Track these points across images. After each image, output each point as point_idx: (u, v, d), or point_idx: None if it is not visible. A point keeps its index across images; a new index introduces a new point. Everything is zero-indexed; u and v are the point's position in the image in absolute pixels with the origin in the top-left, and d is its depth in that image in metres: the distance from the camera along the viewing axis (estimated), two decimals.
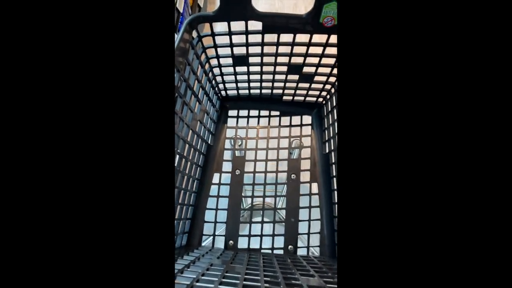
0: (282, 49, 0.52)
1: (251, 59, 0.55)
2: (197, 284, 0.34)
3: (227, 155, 0.66)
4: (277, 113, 0.68)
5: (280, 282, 0.37)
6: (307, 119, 0.68)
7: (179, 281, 0.34)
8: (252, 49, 0.52)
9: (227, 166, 0.65)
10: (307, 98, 0.65)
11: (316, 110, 0.67)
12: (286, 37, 0.49)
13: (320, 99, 0.65)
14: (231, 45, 0.51)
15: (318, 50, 0.51)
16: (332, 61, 0.53)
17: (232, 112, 0.68)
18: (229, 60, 0.55)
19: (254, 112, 0.68)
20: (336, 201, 0.57)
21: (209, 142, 0.63)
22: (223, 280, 0.36)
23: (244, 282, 0.36)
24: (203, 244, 0.61)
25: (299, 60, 0.54)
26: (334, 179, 0.59)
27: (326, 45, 0.49)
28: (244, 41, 0.50)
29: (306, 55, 0.52)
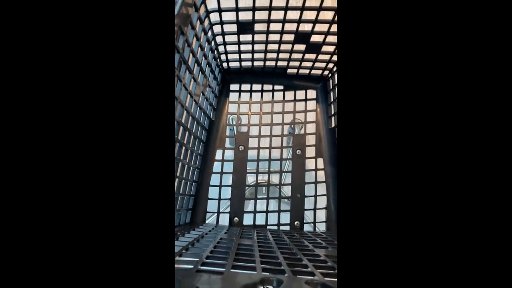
0: (291, 15, 0.49)
1: (257, 26, 0.51)
2: (211, 255, 0.32)
3: (230, 131, 0.63)
4: (281, 87, 0.65)
5: (296, 253, 0.36)
6: (312, 93, 0.65)
7: (184, 258, 0.32)
8: (258, 15, 0.49)
9: (230, 142, 0.63)
10: (313, 71, 0.63)
11: (322, 83, 0.65)
12: (296, 1, 0.46)
13: (326, 72, 0.63)
14: (237, 9, 0.47)
15: (329, 15, 0.49)
16: None
17: (234, 87, 0.65)
18: (233, 28, 0.52)
19: (256, 87, 0.65)
20: None
21: (211, 117, 0.60)
22: (238, 251, 0.35)
23: (260, 253, 0.34)
24: (207, 221, 0.59)
25: (308, 27, 0.51)
26: None
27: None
28: (251, 4, 0.47)
29: (315, 21, 0.49)
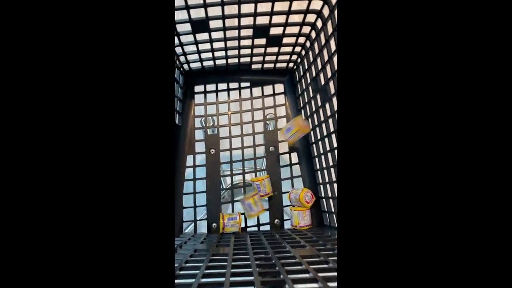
0: (245, 8, 0.47)
1: (212, 24, 0.49)
2: (181, 272, 0.31)
3: (198, 134, 0.61)
4: (247, 84, 0.64)
5: (271, 257, 0.35)
6: (280, 87, 0.64)
7: None
8: (211, 11, 0.47)
9: (200, 147, 0.60)
10: (277, 65, 0.61)
11: (288, 76, 0.63)
12: None
13: (291, 64, 0.61)
14: (187, 7, 0.45)
15: (285, 5, 0.47)
16: (300, 18, 0.49)
17: (199, 88, 0.63)
18: (188, 27, 0.49)
19: (222, 86, 0.63)
20: (317, 167, 0.55)
21: (176, 122, 0.58)
22: (210, 264, 0.33)
23: (233, 263, 0.33)
24: (185, 231, 0.57)
25: (265, 20, 0.49)
26: (314, 145, 0.56)
27: None
28: (202, 1, 0.44)
29: (271, 13, 0.48)
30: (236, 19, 0.49)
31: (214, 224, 0.56)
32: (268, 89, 0.63)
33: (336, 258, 0.32)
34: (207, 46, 0.54)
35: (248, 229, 0.56)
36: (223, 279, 0.27)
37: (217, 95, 0.63)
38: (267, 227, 0.57)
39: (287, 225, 0.57)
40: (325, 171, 0.52)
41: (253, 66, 0.62)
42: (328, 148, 0.50)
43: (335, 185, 0.48)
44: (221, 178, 0.59)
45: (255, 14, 0.48)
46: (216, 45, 0.54)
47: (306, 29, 0.52)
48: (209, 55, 0.57)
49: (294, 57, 0.59)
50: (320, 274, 0.27)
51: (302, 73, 0.58)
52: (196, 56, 0.57)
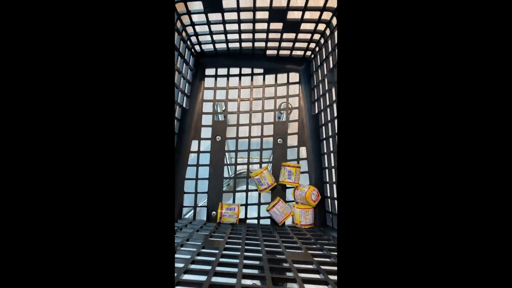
0: None
1: (225, 3, 0.46)
2: None
3: (205, 119, 0.59)
4: (261, 70, 0.60)
5: (262, 257, 0.33)
6: (295, 76, 0.60)
7: None
8: None
9: (206, 132, 0.59)
10: (294, 52, 0.57)
11: (304, 65, 0.60)
12: None
13: (309, 53, 0.57)
14: None
15: None
16: (321, 2, 0.45)
17: (210, 71, 0.60)
18: (200, 6, 0.46)
19: (234, 70, 0.60)
20: (326, 165, 0.52)
21: (183, 105, 0.56)
22: (197, 258, 0.32)
23: (221, 259, 0.32)
24: (185, 216, 0.57)
25: (282, 3, 0.46)
26: (324, 142, 0.53)
27: None
28: None
29: None
30: (251, 0, 0.45)
31: (213, 212, 0.55)
32: (282, 78, 0.60)
33: (328, 267, 0.30)
34: (220, 27, 0.51)
35: (248, 221, 0.55)
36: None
37: (228, 80, 0.60)
38: (267, 221, 0.55)
39: (288, 221, 0.55)
40: (333, 170, 0.49)
41: (268, 52, 0.58)
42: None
43: None
44: (226, 166, 0.58)
45: None
46: (230, 27, 0.51)
47: (327, 15, 0.48)
48: (222, 37, 0.54)
49: (312, 45, 0.55)
50: (307, 286, 0.25)
51: (319, 63, 0.54)
52: (208, 38, 0.54)
